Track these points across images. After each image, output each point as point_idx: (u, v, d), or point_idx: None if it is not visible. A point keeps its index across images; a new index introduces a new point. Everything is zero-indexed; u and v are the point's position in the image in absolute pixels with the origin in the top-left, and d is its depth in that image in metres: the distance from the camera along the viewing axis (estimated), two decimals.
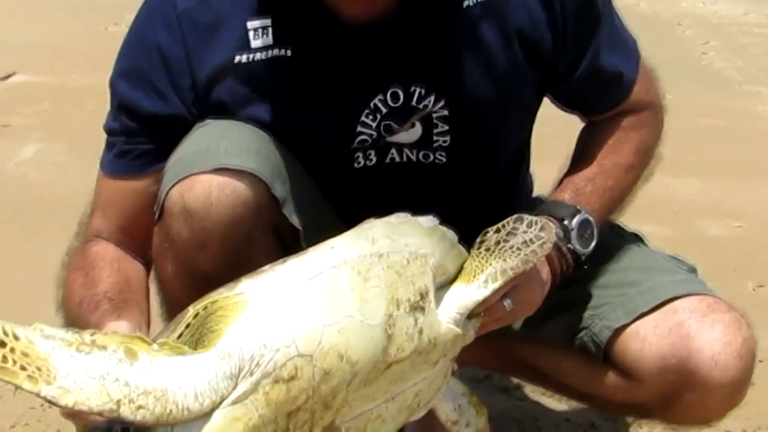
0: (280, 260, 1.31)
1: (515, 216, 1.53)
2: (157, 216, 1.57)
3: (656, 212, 3.52)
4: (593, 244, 1.67)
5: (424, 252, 1.41)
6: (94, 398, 1.07)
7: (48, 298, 2.83)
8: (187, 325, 1.22)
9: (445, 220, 1.48)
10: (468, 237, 1.53)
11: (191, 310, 1.24)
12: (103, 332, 1.16)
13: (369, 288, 1.30)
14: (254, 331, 1.21)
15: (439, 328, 1.40)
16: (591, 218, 1.67)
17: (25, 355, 1.06)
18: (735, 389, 1.66)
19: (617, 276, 1.77)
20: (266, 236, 1.57)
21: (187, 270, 1.55)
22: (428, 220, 1.45)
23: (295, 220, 1.58)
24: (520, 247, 1.47)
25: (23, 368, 1.05)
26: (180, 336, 1.22)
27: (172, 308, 1.61)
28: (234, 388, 1.19)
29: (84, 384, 1.07)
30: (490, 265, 1.45)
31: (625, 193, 1.78)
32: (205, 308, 1.24)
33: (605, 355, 1.72)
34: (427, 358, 1.39)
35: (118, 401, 1.09)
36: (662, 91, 1.86)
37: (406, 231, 1.40)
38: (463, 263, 1.48)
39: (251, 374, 1.19)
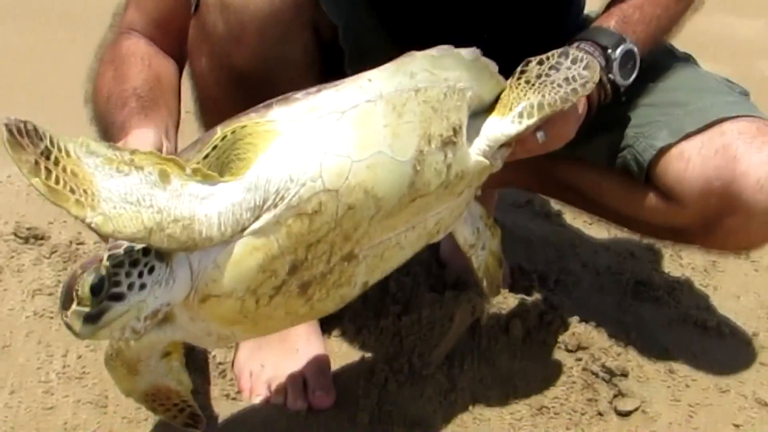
0: (315, 88, 1.25)
1: (561, 50, 1.47)
2: (193, 8, 1.53)
3: (715, 50, 3.44)
4: (634, 75, 1.60)
5: (463, 86, 1.36)
6: (129, 226, 1.08)
7: None
8: (214, 147, 1.19)
9: (494, 43, 1.43)
10: (516, 63, 1.49)
11: (219, 132, 1.20)
12: (141, 152, 1.13)
13: (403, 124, 1.26)
14: (282, 163, 1.18)
15: (468, 162, 1.37)
16: (635, 49, 1.59)
17: (74, 175, 1.06)
18: None
19: (665, 95, 1.71)
20: (305, 34, 1.53)
21: (221, 65, 1.52)
22: (470, 52, 1.39)
23: (334, 17, 1.53)
24: (561, 83, 1.42)
25: (72, 191, 1.05)
26: (206, 157, 1.19)
27: (205, 104, 1.59)
28: (256, 219, 1.17)
29: (122, 210, 1.08)
30: (528, 98, 1.41)
31: (673, 23, 1.69)
32: (233, 132, 1.20)
33: (647, 176, 1.68)
34: (453, 190, 1.36)
35: (150, 230, 1.09)
36: None
37: (447, 64, 1.35)
38: (501, 93, 1.44)
39: (275, 206, 1.17)
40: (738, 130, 1.62)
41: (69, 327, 1.13)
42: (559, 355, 1.80)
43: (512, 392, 1.70)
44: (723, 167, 1.60)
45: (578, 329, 1.83)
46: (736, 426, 1.71)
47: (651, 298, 2.07)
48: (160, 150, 1.30)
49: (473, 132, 1.39)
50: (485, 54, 1.44)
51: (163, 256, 1.16)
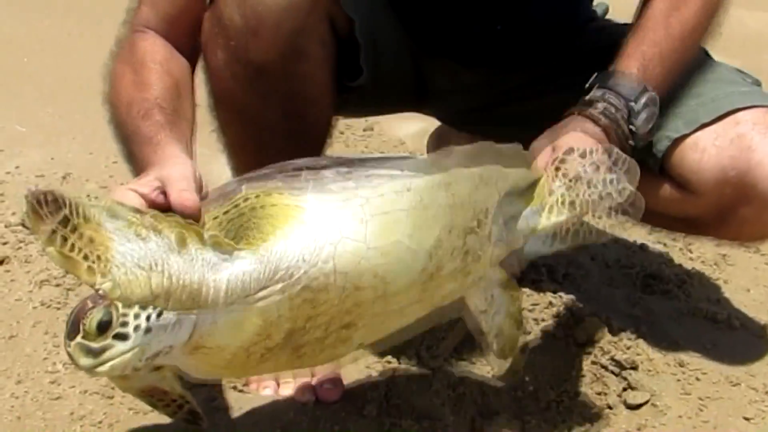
0: (346, 168, 1.24)
1: (606, 146, 1.42)
2: (209, 0, 1.52)
3: (725, 42, 3.39)
4: (654, 121, 1.58)
5: (496, 180, 1.34)
6: (137, 293, 1.08)
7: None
8: (236, 205, 1.19)
9: (507, 34, 1.42)
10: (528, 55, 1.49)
11: (243, 191, 1.20)
12: (163, 216, 1.14)
13: (427, 216, 1.24)
14: (298, 242, 1.17)
15: (488, 248, 1.33)
16: (656, 96, 1.57)
17: (91, 240, 1.07)
18: None
19: (679, 86, 1.69)
20: (321, 27, 1.53)
21: (238, 58, 1.51)
22: (510, 147, 1.40)
23: (350, 10, 1.53)
24: (598, 184, 1.38)
25: (86, 257, 1.06)
26: (226, 212, 1.19)
27: (220, 98, 1.58)
28: (262, 289, 1.16)
29: (132, 276, 1.08)
30: (561, 195, 1.38)
31: (689, 56, 1.67)
32: (257, 196, 1.19)
33: (661, 167, 1.67)
34: (468, 272, 1.32)
35: (156, 296, 1.10)
36: None
37: (484, 160, 1.33)
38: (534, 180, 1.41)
39: (282, 281, 1.17)
40: (753, 120, 1.61)
41: (71, 357, 1.14)
42: (568, 348, 1.79)
43: (521, 385, 1.69)
44: (738, 157, 1.59)
45: (587, 322, 1.81)
46: (747, 419, 1.70)
47: (661, 291, 2.06)
48: (192, 179, 1.28)
49: (499, 217, 1.36)
50: (498, 45, 1.44)
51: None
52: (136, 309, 1.13)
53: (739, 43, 3.58)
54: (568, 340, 1.80)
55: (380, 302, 1.23)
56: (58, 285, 1.87)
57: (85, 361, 1.13)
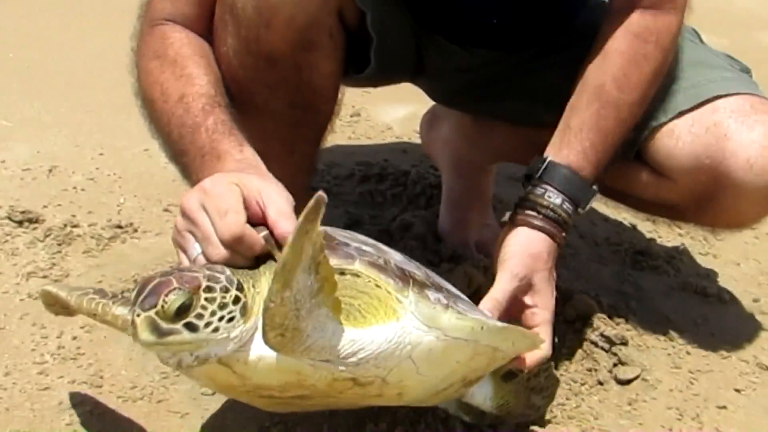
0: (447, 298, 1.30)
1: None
2: None
3: (713, 21, 3.41)
4: (591, 203, 1.58)
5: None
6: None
7: (89, 85, 2.88)
8: (355, 275, 1.23)
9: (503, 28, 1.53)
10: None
11: (357, 266, 1.23)
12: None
13: (466, 363, 1.34)
14: (380, 342, 1.22)
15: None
16: (595, 187, 1.56)
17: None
18: None
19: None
20: (331, 19, 1.52)
21: (249, 48, 1.51)
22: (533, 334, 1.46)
23: (362, 3, 1.53)
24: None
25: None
26: (342, 274, 1.21)
27: (227, 85, 1.55)
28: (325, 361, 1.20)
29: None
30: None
31: (629, 133, 1.60)
32: (369, 280, 1.23)
33: (638, 153, 1.67)
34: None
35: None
36: None
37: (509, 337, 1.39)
38: None
39: (346, 362, 1.20)
40: (730, 108, 1.60)
41: (134, 326, 1.13)
42: (558, 325, 1.77)
43: None
44: (713, 145, 1.58)
45: (577, 300, 1.81)
46: (738, 391, 1.70)
47: (650, 267, 2.06)
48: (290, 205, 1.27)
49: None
50: (493, 32, 1.49)
51: (246, 312, 1.17)
52: (215, 305, 1.14)
53: (728, 22, 3.58)
54: (558, 317, 1.77)
55: (394, 399, 1.32)
56: (44, 276, 1.87)
57: (148, 336, 1.12)
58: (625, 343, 1.76)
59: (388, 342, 1.22)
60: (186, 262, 1.23)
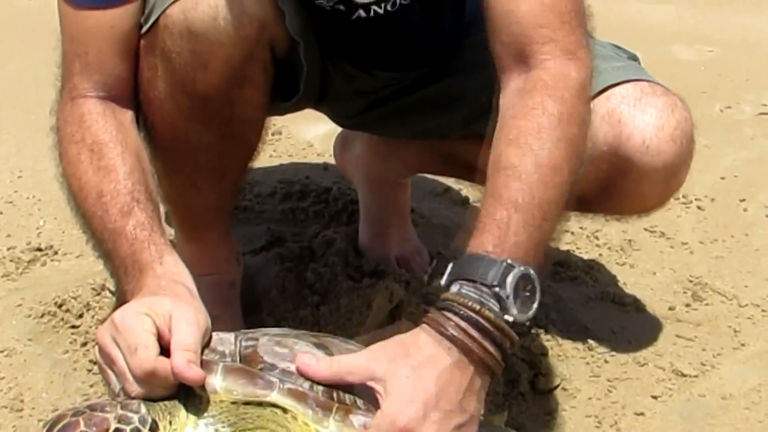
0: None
1: None
2: (145, 30, 1.48)
3: (627, 35, 3.44)
4: (536, 302, 1.26)
5: None
6: None
7: (6, 107, 2.83)
8: (260, 404, 1.21)
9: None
10: None
11: (274, 397, 1.21)
12: None
13: None
14: None
15: None
16: (528, 269, 1.24)
17: None
18: (670, 174, 1.62)
19: None
20: (265, 53, 1.53)
21: (184, 90, 1.50)
22: None
23: (297, 34, 1.52)
24: None
25: None
26: (247, 404, 1.22)
27: (159, 127, 1.56)
28: None
29: None
30: None
31: (563, 199, 1.34)
32: (286, 411, 1.21)
33: None
34: None
35: None
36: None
37: None
38: None
39: None
40: (622, 95, 1.62)
41: None
42: None
43: None
44: (609, 132, 1.60)
45: None
46: (655, 397, 1.74)
47: (569, 278, 2.09)
48: (200, 334, 1.24)
49: None
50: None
51: None
52: None
53: (641, 35, 3.64)
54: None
55: None
56: None
57: None
58: (545, 354, 1.79)
59: None
60: (114, 383, 1.22)
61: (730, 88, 3.27)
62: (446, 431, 1.18)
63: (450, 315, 1.21)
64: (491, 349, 1.21)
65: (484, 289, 1.22)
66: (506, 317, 1.21)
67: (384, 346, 1.23)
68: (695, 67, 3.51)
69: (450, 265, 1.27)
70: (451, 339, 1.20)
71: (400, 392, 1.17)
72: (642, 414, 1.70)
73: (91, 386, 1.71)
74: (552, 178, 1.31)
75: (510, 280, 1.21)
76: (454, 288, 1.24)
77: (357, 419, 1.22)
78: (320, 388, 1.23)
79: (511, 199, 1.27)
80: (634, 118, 1.60)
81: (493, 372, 1.23)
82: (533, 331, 1.83)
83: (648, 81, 1.64)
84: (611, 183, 1.64)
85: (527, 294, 1.24)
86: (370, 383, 1.20)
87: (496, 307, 1.21)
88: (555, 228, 1.33)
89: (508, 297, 1.21)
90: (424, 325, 1.22)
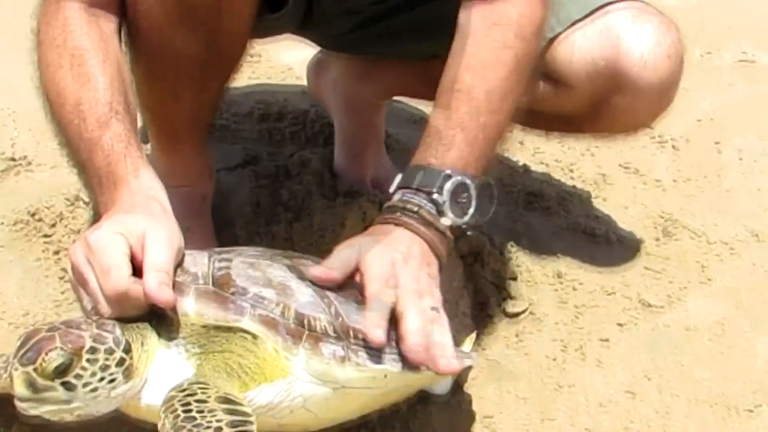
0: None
1: None
2: None
3: None
4: (472, 208, 1.44)
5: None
6: None
7: None
8: (229, 329, 1.23)
9: None
10: None
11: (244, 323, 1.23)
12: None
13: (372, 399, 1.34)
14: (269, 399, 1.23)
15: None
16: (467, 179, 1.41)
17: None
18: (663, 91, 1.67)
19: None
20: None
21: None
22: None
23: None
24: None
25: None
26: (217, 329, 1.23)
27: (146, 33, 1.54)
28: None
29: None
30: None
31: (505, 124, 1.49)
32: (255, 338, 1.23)
33: None
34: None
35: None
36: None
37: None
38: None
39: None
40: (620, 11, 1.66)
41: (11, 378, 1.14)
42: (449, 260, 1.81)
43: None
44: (607, 47, 1.64)
45: (469, 236, 1.84)
46: (620, 325, 1.76)
47: (542, 208, 2.11)
48: (173, 254, 1.24)
49: None
50: None
51: (129, 373, 1.18)
52: (96, 367, 1.15)
53: None
54: (450, 252, 1.83)
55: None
56: None
57: (23, 392, 1.13)
58: (514, 279, 1.81)
59: (277, 397, 1.23)
60: (86, 302, 1.23)
61: (712, 35, 3.27)
62: (421, 274, 1.35)
63: (392, 216, 1.40)
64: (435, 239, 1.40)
65: (423, 195, 1.40)
66: (442, 220, 1.40)
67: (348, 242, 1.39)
68: (679, 12, 3.50)
69: (398, 177, 1.45)
70: (402, 224, 1.38)
71: (374, 254, 1.34)
72: (607, 341, 1.73)
73: (63, 293, 1.71)
74: (499, 105, 1.45)
75: (447, 187, 1.39)
76: (397, 196, 1.42)
77: (327, 348, 1.24)
78: (292, 314, 1.25)
79: (459, 120, 1.43)
80: (632, 34, 1.64)
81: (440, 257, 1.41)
82: (503, 256, 1.84)
83: (642, 2, 1.69)
84: (604, 100, 1.68)
85: (463, 201, 1.42)
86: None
87: (433, 210, 1.39)
88: (495, 148, 1.49)
89: (444, 202, 1.39)
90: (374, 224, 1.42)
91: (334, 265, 1.34)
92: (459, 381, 1.56)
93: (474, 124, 1.43)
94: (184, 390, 1.16)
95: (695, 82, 2.82)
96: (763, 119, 2.69)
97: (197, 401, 1.15)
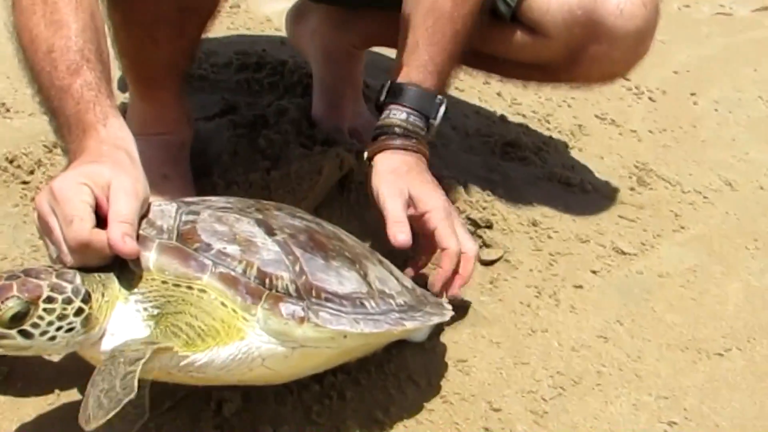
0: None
1: None
2: None
3: None
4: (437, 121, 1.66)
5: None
6: None
7: None
8: (189, 288, 1.23)
9: None
10: None
11: (205, 280, 1.22)
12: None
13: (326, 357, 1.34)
14: (222, 364, 1.24)
15: None
16: (442, 99, 1.64)
17: None
18: (639, 39, 1.71)
19: None
20: None
21: None
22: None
23: None
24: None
25: None
26: (177, 286, 1.23)
27: None
28: None
29: None
30: None
31: (469, 31, 1.65)
32: (216, 299, 1.23)
33: (513, 16, 1.73)
34: None
35: None
36: None
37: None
38: None
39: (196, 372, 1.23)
40: None
41: None
42: None
43: (377, 246, 1.73)
44: None
45: (446, 184, 1.85)
46: (594, 272, 1.79)
47: (518, 158, 2.12)
48: (138, 205, 1.24)
49: None
50: None
51: (88, 322, 1.18)
52: (53, 316, 1.16)
53: None
54: None
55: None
56: None
57: None
58: (489, 227, 1.83)
59: (233, 357, 1.23)
60: (51, 250, 1.24)
61: None
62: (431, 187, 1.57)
63: (387, 135, 1.60)
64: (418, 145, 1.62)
65: (423, 119, 1.62)
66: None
67: (382, 186, 1.55)
68: None
69: (383, 95, 1.65)
70: (394, 148, 1.59)
71: (421, 191, 1.55)
72: (581, 287, 1.75)
73: (40, 238, 1.71)
74: (462, 14, 1.61)
75: (440, 113, 1.63)
76: (385, 114, 1.63)
77: (286, 308, 1.24)
78: (253, 272, 1.24)
79: (426, 33, 1.61)
80: None
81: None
82: (479, 205, 1.85)
83: None
84: (581, 48, 1.72)
85: (437, 107, 1.63)
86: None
87: (417, 122, 1.61)
88: (459, 56, 1.67)
89: (427, 112, 1.62)
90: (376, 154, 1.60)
91: (400, 217, 1.49)
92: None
93: (447, 40, 1.61)
94: (123, 351, 1.17)
95: (673, 34, 2.85)
96: (739, 71, 2.72)
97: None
